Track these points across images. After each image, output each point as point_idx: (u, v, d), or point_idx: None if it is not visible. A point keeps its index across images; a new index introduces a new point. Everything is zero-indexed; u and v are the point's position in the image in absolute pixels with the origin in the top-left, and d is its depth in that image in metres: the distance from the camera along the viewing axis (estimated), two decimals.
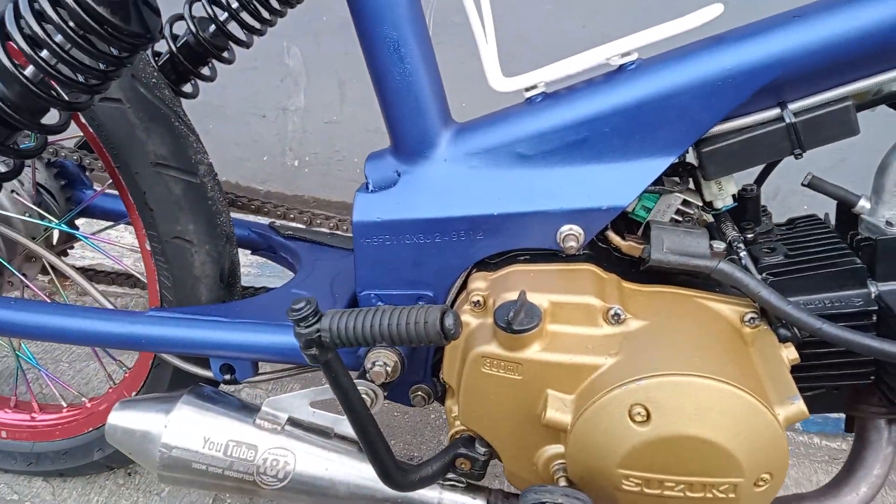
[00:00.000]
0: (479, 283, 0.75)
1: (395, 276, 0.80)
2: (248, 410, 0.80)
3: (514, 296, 0.69)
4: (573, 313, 0.69)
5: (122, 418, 0.80)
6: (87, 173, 1.11)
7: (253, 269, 1.76)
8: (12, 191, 0.99)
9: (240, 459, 0.76)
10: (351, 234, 1.03)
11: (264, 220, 1.08)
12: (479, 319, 0.73)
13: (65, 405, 1.14)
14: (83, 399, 1.12)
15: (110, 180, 0.91)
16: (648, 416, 0.61)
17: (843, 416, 0.84)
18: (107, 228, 1.10)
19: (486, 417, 0.72)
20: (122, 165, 0.83)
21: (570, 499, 0.59)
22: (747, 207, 0.81)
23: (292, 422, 0.80)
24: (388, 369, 0.76)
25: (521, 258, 0.77)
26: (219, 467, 0.76)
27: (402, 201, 0.77)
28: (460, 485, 0.80)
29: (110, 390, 1.09)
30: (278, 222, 1.07)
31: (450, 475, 0.80)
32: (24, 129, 0.67)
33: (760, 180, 0.83)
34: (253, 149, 2.02)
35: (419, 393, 0.87)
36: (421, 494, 0.78)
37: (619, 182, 0.73)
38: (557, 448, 0.70)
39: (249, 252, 1.10)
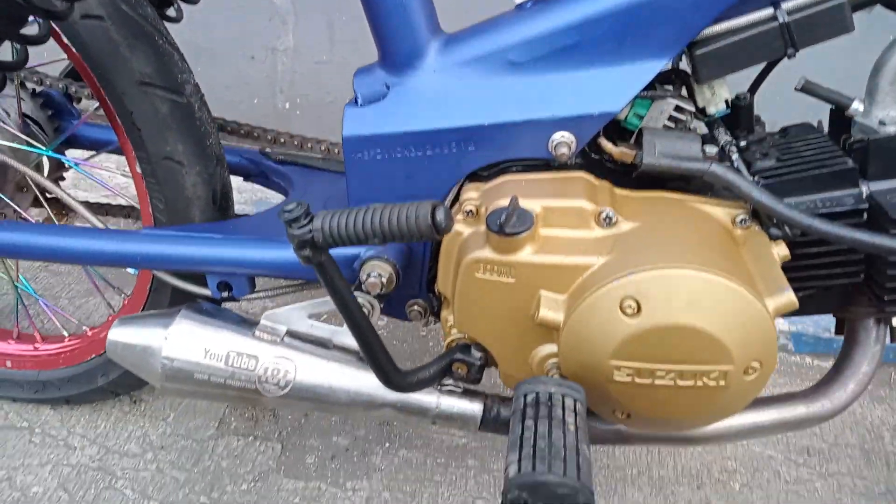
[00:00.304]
0: (472, 194, 0.75)
1: (387, 190, 0.80)
2: (247, 324, 0.81)
3: (506, 202, 0.70)
4: (565, 217, 0.69)
5: (121, 334, 0.81)
6: (75, 103, 1.10)
7: (248, 207, 1.76)
8: None
9: (241, 369, 0.78)
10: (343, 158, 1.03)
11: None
12: (472, 228, 0.73)
13: (66, 335, 1.15)
14: (84, 328, 1.13)
15: (97, 104, 0.90)
16: (639, 308, 0.62)
17: (833, 337, 0.86)
18: (95, 156, 1.08)
19: (480, 322, 0.74)
20: (107, 86, 0.82)
21: (563, 388, 0.61)
22: (740, 115, 0.81)
23: (291, 334, 0.81)
24: (384, 280, 0.77)
25: (514, 169, 0.77)
26: (220, 377, 0.78)
27: (391, 114, 0.77)
28: (457, 390, 0.81)
29: (110, 318, 1.11)
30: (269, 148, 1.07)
31: (447, 381, 0.82)
32: (4, 38, 0.66)
33: (754, 88, 0.82)
34: (243, 91, 1.99)
35: (415, 307, 0.88)
36: (419, 399, 0.80)
37: (612, 87, 0.72)
38: (551, 347, 0.71)
39: (241, 179, 1.10)
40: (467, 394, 0.81)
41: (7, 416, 1.21)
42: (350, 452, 1.20)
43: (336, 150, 1.05)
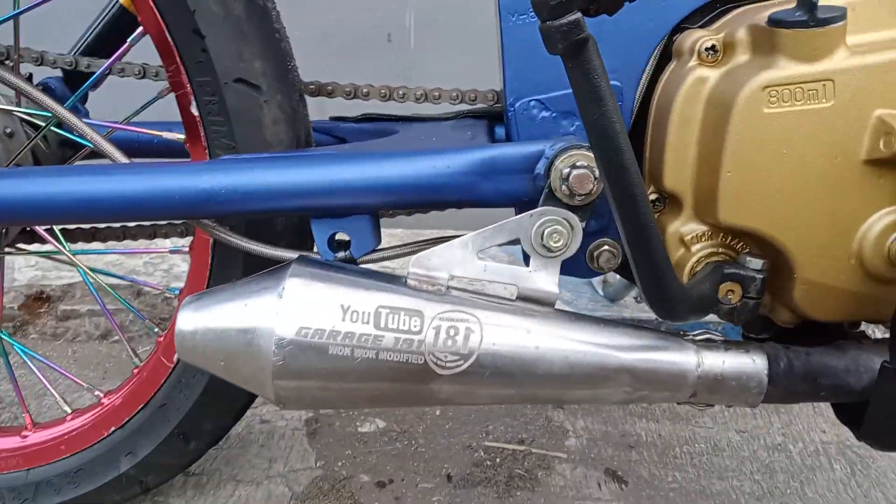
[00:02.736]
0: (699, 33, 0.54)
1: (562, 65, 0.57)
2: (388, 277, 0.53)
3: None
4: (878, 13, 0.48)
5: (202, 318, 0.51)
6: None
7: None
8: None
9: (401, 332, 0.49)
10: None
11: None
12: (723, 67, 0.51)
13: (69, 411, 0.82)
14: (97, 392, 0.80)
15: None
16: None
17: None
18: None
19: (769, 193, 0.49)
20: None
21: None
22: None
23: (457, 282, 0.53)
24: (595, 174, 0.52)
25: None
26: (371, 349, 0.48)
27: None
28: (717, 338, 0.54)
29: (135, 371, 0.79)
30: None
31: (699, 333, 0.55)
32: None
33: None
34: None
35: (604, 249, 0.62)
36: (673, 358, 0.52)
37: None
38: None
39: None
40: (735, 345, 0.54)
41: None
42: None
43: None
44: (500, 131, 0.73)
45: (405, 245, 0.61)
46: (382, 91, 0.76)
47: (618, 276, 1.28)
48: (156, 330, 0.79)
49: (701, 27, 0.56)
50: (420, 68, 1.63)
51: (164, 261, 1.41)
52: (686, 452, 1.02)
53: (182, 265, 1.40)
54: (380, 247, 0.60)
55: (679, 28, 0.57)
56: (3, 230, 0.79)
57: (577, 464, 0.98)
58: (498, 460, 0.99)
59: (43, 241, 0.83)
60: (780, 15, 0.46)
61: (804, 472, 0.99)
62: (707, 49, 0.52)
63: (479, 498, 0.92)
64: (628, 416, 1.08)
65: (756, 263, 0.51)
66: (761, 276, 0.51)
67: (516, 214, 0.58)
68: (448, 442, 1.02)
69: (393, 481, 0.94)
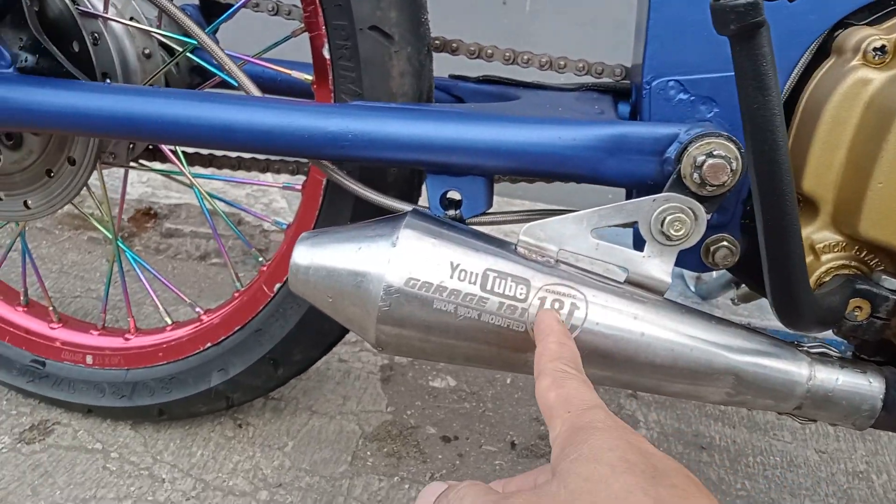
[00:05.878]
0: (869, 31, 0.50)
1: (709, 48, 0.55)
2: (498, 241, 0.53)
3: None
4: None
5: (317, 254, 0.53)
6: None
7: None
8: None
9: (506, 297, 0.49)
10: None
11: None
12: (891, 70, 0.47)
13: (169, 322, 0.87)
14: (197, 310, 0.85)
15: None
16: None
17: None
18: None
19: None
20: None
21: None
22: None
23: (566, 257, 0.53)
24: (732, 166, 0.49)
25: None
26: (474, 309, 0.49)
27: None
28: (833, 354, 0.51)
29: (235, 294, 0.83)
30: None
31: (815, 346, 0.52)
32: None
33: None
34: None
35: (723, 246, 0.59)
36: (784, 368, 0.50)
37: None
38: None
39: None
40: (853, 364, 0.51)
41: (76, 433, 0.91)
42: None
43: None
44: (623, 108, 0.71)
45: (516, 213, 0.61)
46: (507, 54, 0.75)
47: (714, 274, 1.23)
48: (260, 259, 0.83)
49: (868, 24, 0.52)
50: (534, 35, 1.59)
51: (265, 194, 1.47)
52: (759, 462, 0.98)
53: (280, 201, 1.45)
54: (490, 210, 0.60)
55: (843, 24, 0.53)
56: (131, 145, 0.84)
57: None
58: None
59: (164, 159, 0.88)
60: None
61: None
62: (875, 49, 0.48)
63: None
64: (703, 417, 1.05)
65: (894, 283, 0.48)
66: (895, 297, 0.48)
67: (632, 198, 0.56)
68: (516, 411, 1.03)
69: (458, 438, 0.96)
